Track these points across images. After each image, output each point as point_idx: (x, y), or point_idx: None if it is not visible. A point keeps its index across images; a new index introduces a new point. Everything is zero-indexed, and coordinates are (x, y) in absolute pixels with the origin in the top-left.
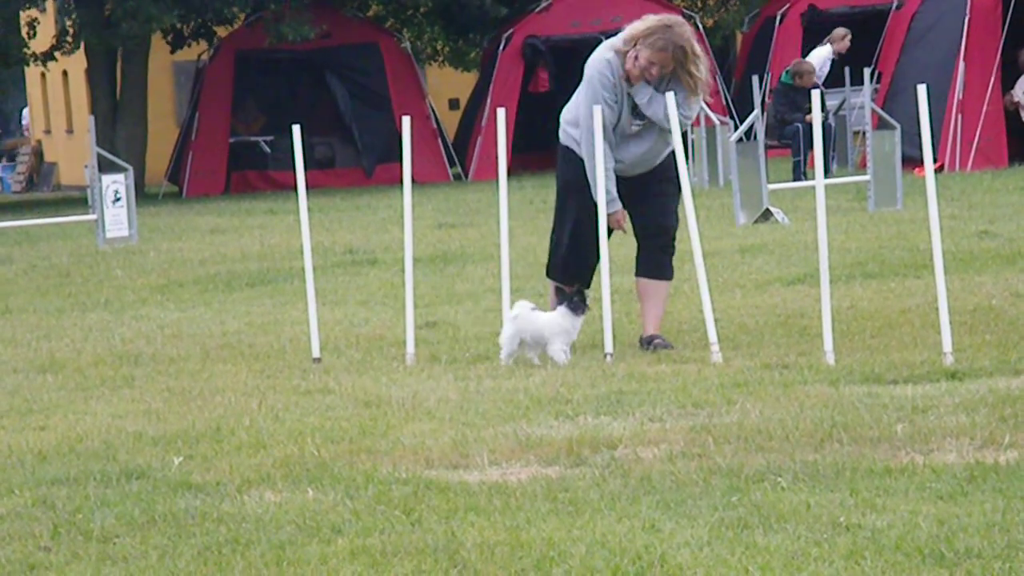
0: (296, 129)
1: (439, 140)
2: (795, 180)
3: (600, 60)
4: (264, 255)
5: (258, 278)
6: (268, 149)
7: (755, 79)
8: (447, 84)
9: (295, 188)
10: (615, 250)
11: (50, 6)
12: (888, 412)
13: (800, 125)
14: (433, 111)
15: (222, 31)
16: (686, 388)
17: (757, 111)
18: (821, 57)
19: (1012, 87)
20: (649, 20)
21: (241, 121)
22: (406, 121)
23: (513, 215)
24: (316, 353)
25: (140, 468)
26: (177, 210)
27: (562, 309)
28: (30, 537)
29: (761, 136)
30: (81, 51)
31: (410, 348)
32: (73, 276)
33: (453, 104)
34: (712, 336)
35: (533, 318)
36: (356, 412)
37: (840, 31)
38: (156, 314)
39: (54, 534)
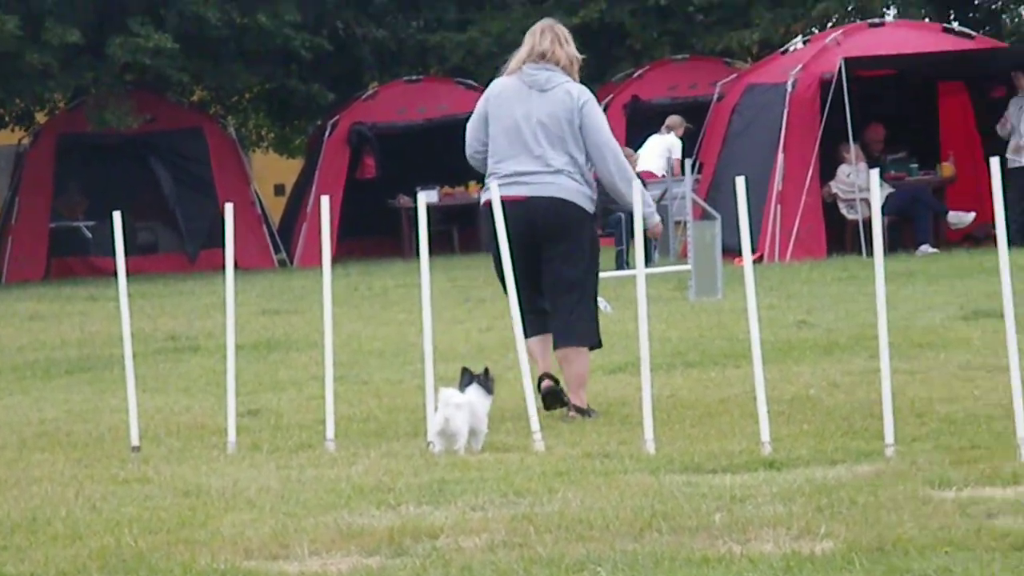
0: (117, 216)
1: (264, 226)
2: (618, 269)
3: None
4: (84, 342)
5: (77, 365)
6: (90, 234)
7: None
8: (272, 170)
9: (116, 274)
10: (439, 338)
11: None
12: (707, 501)
13: (623, 215)
14: (258, 197)
15: (42, 116)
16: (508, 477)
17: None
18: (667, 144)
19: (831, 179)
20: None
21: (63, 206)
22: (229, 207)
23: (338, 302)
24: (135, 442)
25: None
26: None
27: (477, 388)
28: None
29: None
30: None
31: (231, 436)
32: None
33: (278, 190)
34: (534, 424)
35: (476, 402)
36: (175, 502)
37: (677, 118)
38: None
39: None
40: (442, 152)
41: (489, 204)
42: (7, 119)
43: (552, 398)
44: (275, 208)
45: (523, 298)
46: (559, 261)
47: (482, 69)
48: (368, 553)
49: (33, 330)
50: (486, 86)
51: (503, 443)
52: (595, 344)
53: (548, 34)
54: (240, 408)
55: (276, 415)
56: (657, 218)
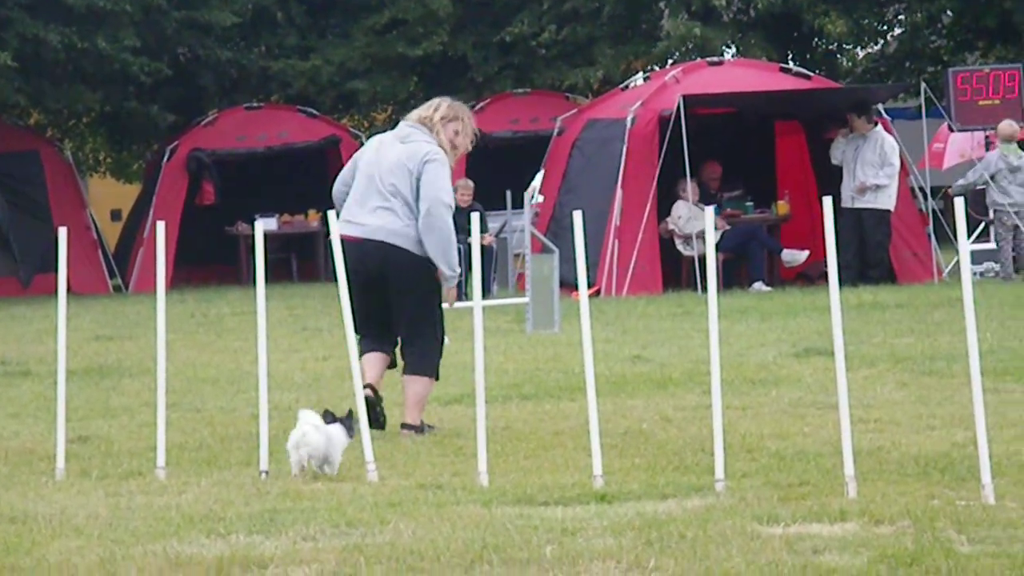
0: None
1: (99, 251)
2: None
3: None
4: None
5: None
6: None
7: None
8: (109, 195)
9: None
10: (275, 366)
11: None
12: (538, 533)
13: (461, 246)
14: (94, 221)
15: None
16: (340, 507)
17: None
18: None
19: (668, 214)
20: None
21: None
22: (63, 231)
23: (172, 328)
24: None
25: None
26: None
27: (339, 427)
28: None
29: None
30: None
31: (60, 462)
32: None
33: (115, 215)
34: (368, 455)
35: (335, 434)
36: (1, 528)
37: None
38: None
39: None
40: (282, 180)
41: (342, 239)
42: None
43: (368, 406)
44: (111, 233)
45: (359, 323)
46: (398, 299)
47: (323, 97)
48: None
49: None
50: (327, 114)
51: (336, 474)
52: (430, 375)
53: (440, 107)
54: (70, 434)
55: (107, 442)
56: (454, 283)
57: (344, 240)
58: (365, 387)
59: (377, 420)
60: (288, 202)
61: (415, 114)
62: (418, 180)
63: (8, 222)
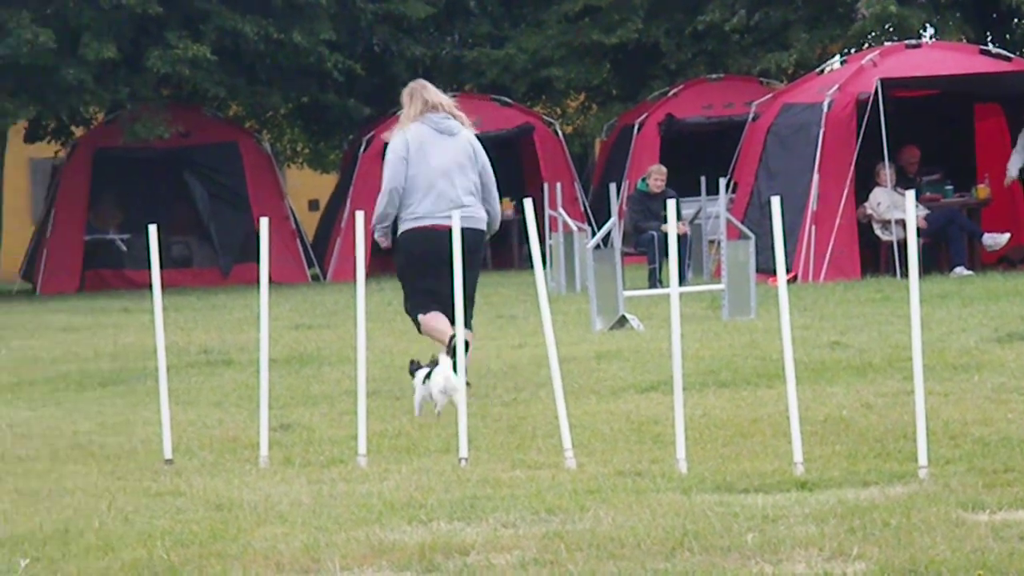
0: (153, 228)
1: (298, 241)
2: (651, 287)
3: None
4: (117, 354)
5: (111, 378)
6: (124, 247)
7: (612, 187)
8: (307, 185)
9: (151, 287)
10: (472, 354)
11: None
12: (739, 521)
13: (655, 233)
14: (292, 212)
15: (78, 130)
16: (540, 494)
17: (614, 218)
18: None
19: (866, 199)
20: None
21: (98, 219)
22: (264, 222)
23: (371, 317)
24: (168, 454)
25: None
26: (30, 307)
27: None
28: None
29: (618, 243)
30: None
31: (263, 450)
32: None
33: (313, 205)
34: (566, 442)
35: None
36: (207, 515)
37: None
38: (5, 413)
39: None
40: None
41: (425, 229)
42: (44, 133)
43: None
44: (309, 223)
45: (428, 301)
46: (470, 274)
47: (517, 85)
48: (399, 568)
49: (67, 342)
50: (520, 102)
51: (534, 460)
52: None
53: (443, 96)
54: (272, 422)
55: (308, 430)
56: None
57: (433, 229)
58: (454, 336)
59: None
60: None
61: (440, 102)
62: (479, 164)
63: (208, 213)
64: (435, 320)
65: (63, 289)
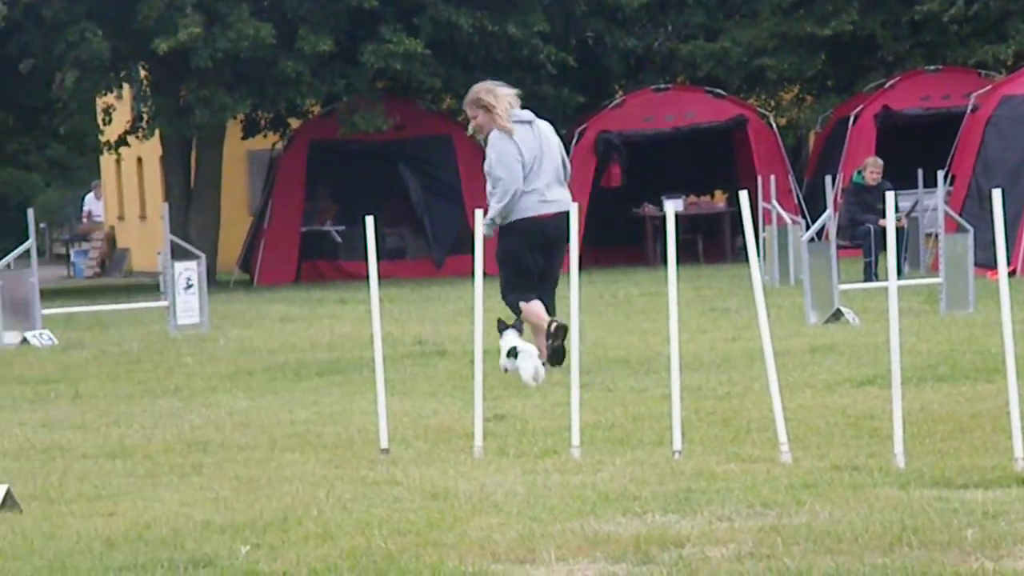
0: (369, 220)
1: None
2: (866, 281)
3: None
4: (334, 345)
5: (327, 368)
6: (339, 239)
7: (828, 179)
8: None
9: (366, 278)
10: (684, 347)
11: (126, 93)
12: (958, 517)
13: (872, 226)
14: None
15: (294, 122)
16: (755, 487)
17: (829, 211)
18: None
19: None
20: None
21: (314, 210)
22: (478, 213)
23: (583, 309)
24: (384, 444)
25: (207, 557)
26: (248, 298)
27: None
28: None
29: (833, 236)
30: (156, 138)
31: (478, 440)
32: (143, 362)
33: None
34: (782, 436)
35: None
36: (423, 504)
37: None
38: (225, 402)
39: None
40: (688, 161)
41: (529, 219)
42: (261, 125)
43: (562, 332)
44: None
45: (529, 284)
46: (560, 256)
47: (731, 77)
48: (614, 560)
49: (284, 332)
50: (734, 94)
51: (749, 454)
52: None
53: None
54: (486, 413)
55: (522, 421)
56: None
57: (547, 218)
58: (553, 321)
59: (559, 352)
60: (694, 183)
61: (513, 98)
62: (558, 148)
63: (422, 204)
64: (536, 307)
65: (280, 280)
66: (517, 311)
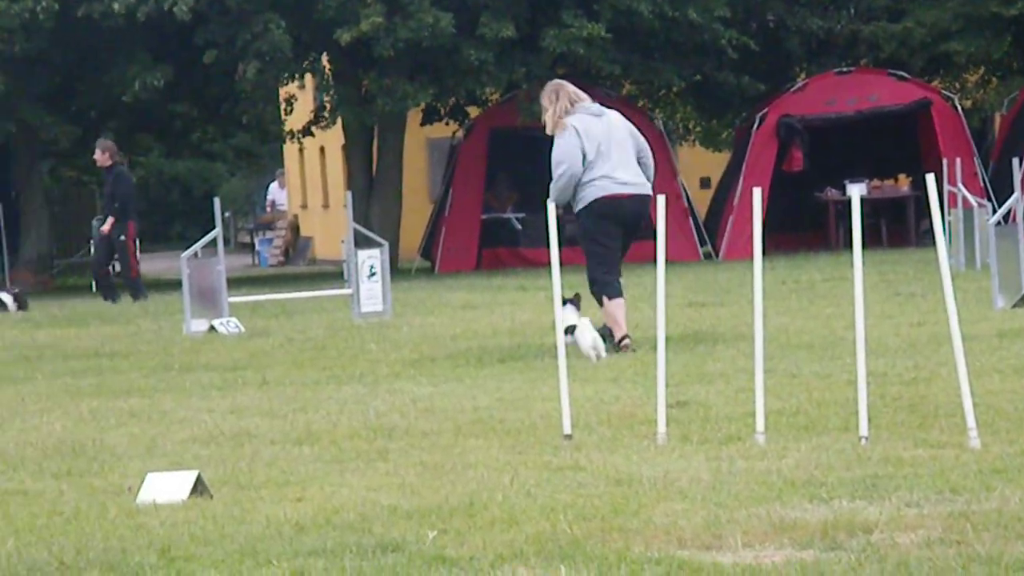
0: (551, 207)
1: (690, 219)
2: None
3: None
4: (515, 331)
5: (509, 354)
6: (519, 226)
7: (1015, 161)
8: (698, 163)
9: (545, 265)
10: (868, 332)
11: (309, 82)
12: None
13: None
14: (684, 190)
15: (473, 110)
16: (943, 473)
17: (1017, 193)
18: None
19: None
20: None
21: (494, 198)
22: (660, 200)
23: (765, 294)
24: (567, 430)
25: (395, 541)
26: (429, 285)
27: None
28: None
29: (1020, 219)
30: (338, 127)
31: (661, 427)
32: (328, 349)
33: (704, 183)
34: (970, 421)
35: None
36: (607, 490)
37: None
38: (409, 388)
39: None
40: (870, 144)
41: (608, 198)
42: (441, 113)
43: (624, 350)
44: (701, 201)
45: (612, 267)
46: (634, 237)
47: (915, 59)
48: (801, 546)
49: (466, 319)
50: (918, 76)
51: (936, 440)
52: None
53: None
54: (669, 399)
55: (705, 407)
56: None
57: (621, 197)
58: (626, 337)
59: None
60: (877, 167)
61: (578, 92)
62: (633, 136)
63: None
64: (616, 309)
65: (460, 267)
66: (600, 302)
